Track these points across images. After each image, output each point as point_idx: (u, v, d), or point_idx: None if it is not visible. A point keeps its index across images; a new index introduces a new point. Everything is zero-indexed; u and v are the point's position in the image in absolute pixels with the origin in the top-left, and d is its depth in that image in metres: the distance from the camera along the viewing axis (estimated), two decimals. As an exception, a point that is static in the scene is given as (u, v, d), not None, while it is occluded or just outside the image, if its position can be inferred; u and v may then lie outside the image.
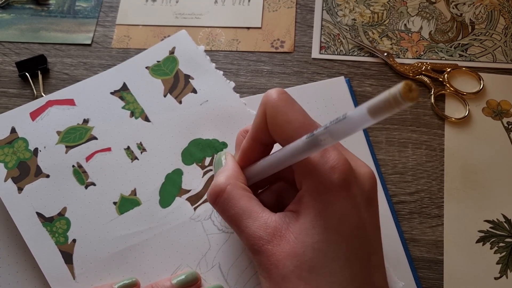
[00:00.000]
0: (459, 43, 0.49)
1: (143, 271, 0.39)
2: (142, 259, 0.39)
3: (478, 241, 0.41)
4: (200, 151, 0.43)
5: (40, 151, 0.42)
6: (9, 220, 0.40)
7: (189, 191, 0.41)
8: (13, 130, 0.43)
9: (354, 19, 0.51)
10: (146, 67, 0.46)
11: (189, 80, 0.46)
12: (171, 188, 0.41)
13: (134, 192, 0.41)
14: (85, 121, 0.44)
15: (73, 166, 0.42)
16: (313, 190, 0.29)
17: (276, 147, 0.33)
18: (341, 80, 0.47)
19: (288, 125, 0.30)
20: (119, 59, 0.50)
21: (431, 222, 0.42)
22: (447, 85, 0.47)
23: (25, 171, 0.41)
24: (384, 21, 0.51)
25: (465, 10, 0.51)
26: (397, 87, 0.20)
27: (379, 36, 0.50)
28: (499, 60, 0.48)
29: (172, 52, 0.47)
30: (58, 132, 0.43)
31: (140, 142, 0.43)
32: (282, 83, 0.48)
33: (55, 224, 0.40)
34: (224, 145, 0.43)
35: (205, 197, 0.41)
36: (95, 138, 0.43)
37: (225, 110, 0.44)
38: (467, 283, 0.39)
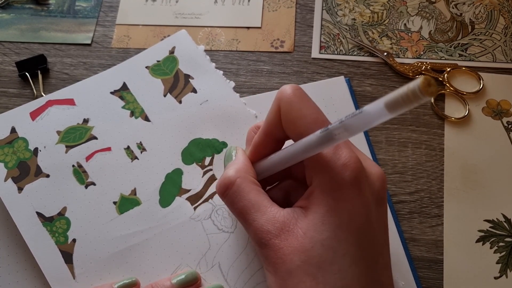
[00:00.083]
0: (459, 43, 0.49)
1: (143, 270, 0.39)
2: (142, 258, 0.39)
3: (478, 241, 0.41)
4: (200, 150, 0.43)
5: (40, 151, 0.42)
6: (9, 220, 0.40)
7: (189, 190, 0.41)
8: (13, 130, 0.43)
9: (354, 19, 0.51)
10: (146, 67, 0.46)
11: (189, 80, 0.46)
12: (171, 187, 0.41)
13: (134, 192, 0.41)
14: (85, 120, 0.44)
15: (73, 166, 0.42)
16: (324, 186, 0.29)
17: (287, 143, 0.33)
18: (341, 80, 0.47)
19: (302, 120, 0.30)
20: (119, 59, 0.50)
21: (431, 221, 0.42)
22: (447, 84, 0.47)
23: (25, 171, 0.42)
24: (384, 20, 0.51)
25: (465, 9, 0.51)
26: (416, 82, 0.20)
27: (379, 36, 0.50)
28: (499, 60, 0.48)
29: (172, 52, 0.47)
30: (58, 132, 0.43)
31: (140, 142, 0.43)
32: (282, 83, 0.48)
33: (55, 223, 0.40)
34: (224, 144, 0.43)
35: (205, 196, 0.41)
36: (95, 138, 0.43)
37: (225, 110, 0.44)
38: (467, 282, 0.39)
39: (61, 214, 0.40)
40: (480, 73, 0.47)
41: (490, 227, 0.41)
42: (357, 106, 0.46)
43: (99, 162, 0.42)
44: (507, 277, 0.39)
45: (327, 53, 0.50)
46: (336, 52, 0.50)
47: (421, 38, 0.50)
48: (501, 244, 0.41)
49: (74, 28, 0.52)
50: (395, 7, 0.52)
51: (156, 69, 0.46)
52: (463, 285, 0.39)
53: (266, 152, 0.34)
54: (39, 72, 0.49)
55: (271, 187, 0.37)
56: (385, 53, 0.49)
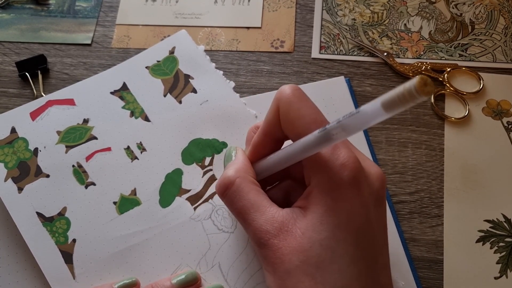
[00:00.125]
0: (459, 43, 0.49)
1: (143, 270, 0.39)
2: (142, 259, 0.39)
3: (478, 241, 0.41)
4: (200, 151, 0.43)
5: (40, 151, 0.42)
6: (9, 220, 0.40)
7: (189, 190, 0.41)
8: (13, 130, 0.43)
9: (354, 19, 0.51)
10: (146, 67, 0.46)
11: (189, 80, 0.46)
12: (171, 188, 0.41)
13: (134, 192, 0.41)
14: (85, 121, 0.44)
15: (73, 166, 0.42)
16: (323, 186, 0.29)
17: (287, 143, 0.33)
18: (341, 80, 0.47)
19: (300, 120, 0.30)
20: (119, 59, 0.50)
21: (431, 222, 0.42)
22: (447, 85, 0.47)
23: (25, 171, 0.42)
24: (384, 21, 0.51)
25: (465, 10, 0.51)
26: (412, 81, 0.20)
27: (379, 36, 0.50)
28: (499, 60, 0.48)
29: (172, 52, 0.47)
30: (58, 132, 0.43)
31: (140, 142, 0.43)
32: (282, 83, 0.48)
33: (55, 224, 0.40)
34: (224, 144, 0.43)
35: (205, 197, 0.41)
36: (95, 138, 0.43)
37: (225, 110, 0.44)
38: (467, 282, 0.39)
39: (61, 214, 0.40)
40: (480, 73, 0.47)
41: (490, 227, 0.41)
42: (357, 106, 0.46)
43: (99, 162, 0.42)
44: (507, 277, 0.39)
45: (327, 53, 0.50)
46: (336, 52, 0.50)
47: (421, 38, 0.50)
48: (501, 244, 0.41)
49: (74, 28, 0.52)
50: (395, 7, 0.52)
51: (156, 69, 0.46)
52: (463, 285, 0.39)
53: (266, 152, 0.34)
54: (39, 72, 0.49)
55: (271, 187, 0.37)
56: (385, 53, 0.49)
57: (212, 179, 0.42)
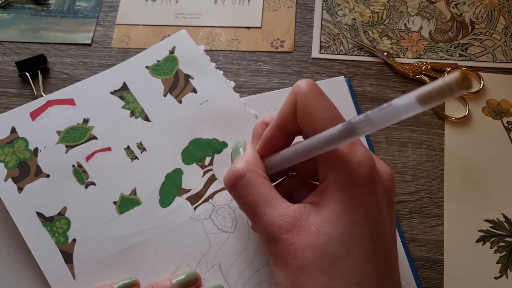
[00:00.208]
0: (459, 43, 0.49)
1: (143, 270, 0.39)
2: (142, 258, 0.39)
3: (478, 241, 0.41)
4: (200, 150, 0.43)
5: (40, 151, 0.42)
6: (9, 220, 0.40)
7: (189, 190, 0.41)
8: (13, 130, 0.43)
9: (354, 19, 0.51)
10: (146, 67, 0.46)
11: (189, 79, 0.46)
12: (171, 187, 0.41)
13: (134, 192, 0.41)
14: (85, 120, 0.44)
15: (73, 166, 0.42)
16: (340, 182, 0.29)
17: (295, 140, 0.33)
18: (341, 80, 0.47)
19: (319, 115, 0.30)
20: (119, 59, 0.50)
21: (431, 221, 0.42)
22: (447, 84, 0.46)
23: (25, 171, 0.42)
24: (384, 20, 0.51)
25: (465, 9, 0.51)
26: (453, 76, 0.21)
27: (379, 36, 0.50)
28: (499, 60, 0.48)
29: (172, 51, 0.47)
30: (58, 132, 0.43)
31: (140, 142, 0.43)
32: (282, 83, 0.48)
33: (55, 223, 0.40)
34: (224, 144, 0.43)
35: (205, 196, 0.41)
36: (95, 138, 0.43)
37: (225, 110, 0.44)
38: (467, 282, 0.39)
39: (61, 214, 0.40)
40: (480, 73, 0.47)
41: (490, 227, 0.41)
42: (357, 106, 0.46)
43: (99, 162, 0.42)
44: (507, 277, 0.39)
45: (327, 53, 0.49)
46: (336, 52, 0.50)
47: (421, 38, 0.50)
48: (501, 244, 0.41)
49: (74, 28, 0.52)
50: (395, 7, 0.52)
51: (156, 69, 0.46)
52: (463, 285, 0.39)
53: (276, 147, 0.33)
54: (39, 72, 0.49)
55: (274, 184, 0.37)
56: (385, 53, 0.49)
57: (212, 179, 0.42)
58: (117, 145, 0.43)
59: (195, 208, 0.41)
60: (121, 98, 0.45)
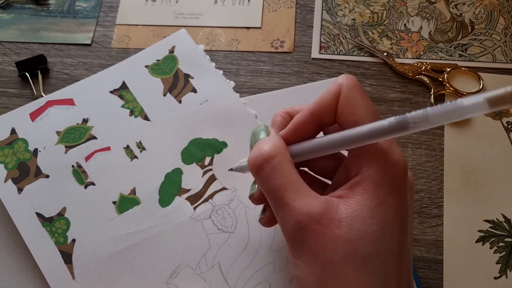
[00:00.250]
0: (459, 43, 0.49)
1: (142, 270, 0.39)
2: (141, 258, 0.39)
3: (477, 241, 0.41)
4: (200, 150, 0.43)
5: (39, 151, 0.42)
6: (9, 220, 0.40)
7: (188, 190, 0.41)
8: (13, 131, 0.43)
9: (354, 19, 0.51)
10: (146, 66, 0.46)
11: (189, 79, 0.46)
12: (170, 187, 0.41)
13: (133, 191, 0.41)
14: (85, 120, 0.44)
15: (73, 166, 0.42)
16: (377, 179, 0.28)
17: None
18: (341, 80, 0.47)
19: (362, 108, 0.30)
20: (119, 59, 0.50)
21: (431, 222, 0.42)
22: (447, 85, 0.47)
23: (25, 171, 0.41)
24: (384, 21, 0.51)
25: (465, 10, 0.51)
26: None
27: (378, 36, 0.50)
28: (498, 60, 0.48)
29: (171, 51, 0.47)
30: (58, 132, 0.43)
31: (140, 141, 0.43)
32: (282, 83, 0.48)
33: (55, 224, 0.40)
34: (224, 144, 0.43)
35: (205, 196, 0.41)
36: (95, 138, 0.43)
37: (225, 110, 0.44)
38: (467, 283, 0.39)
39: (60, 214, 0.40)
40: (480, 73, 0.47)
41: (490, 227, 0.41)
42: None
43: (99, 162, 0.42)
44: (507, 277, 0.39)
45: (327, 53, 0.50)
46: (336, 52, 0.50)
47: (421, 39, 0.50)
48: (501, 244, 0.41)
49: (74, 28, 0.52)
50: (395, 8, 0.52)
51: (155, 68, 0.46)
52: (463, 285, 0.39)
53: (303, 135, 0.32)
54: (39, 72, 0.49)
55: None
56: (385, 54, 0.49)
57: (212, 179, 0.42)
58: (117, 145, 0.43)
59: (195, 208, 0.41)
60: (121, 97, 0.45)
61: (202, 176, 0.42)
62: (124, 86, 0.46)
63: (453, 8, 0.51)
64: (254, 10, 0.52)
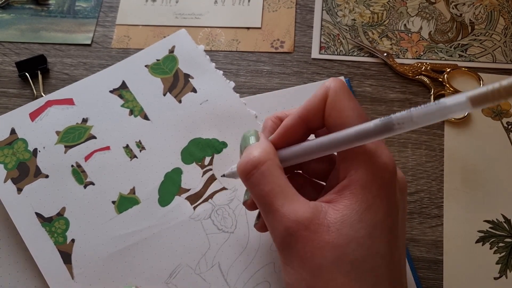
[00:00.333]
0: (459, 44, 0.49)
1: (142, 270, 0.39)
2: (141, 258, 0.39)
3: (477, 241, 0.41)
4: (200, 150, 0.43)
5: (39, 151, 0.42)
6: (9, 220, 0.40)
7: (188, 190, 0.41)
8: (12, 131, 0.43)
9: (354, 19, 0.51)
10: (146, 66, 0.46)
11: (189, 79, 0.46)
12: (170, 187, 0.41)
13: (133, 191, 0.41)
14: (84, 120, 0.44)
15: (72, 166, 0.42)
16: (364, 182, 0.28)
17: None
18: (340, 80, 0.47)
19: (349, 111, 0.30)
20: (119, 59, 0.49)
21: (431, 222, 0.42)
22: (447, 85, 0.47)
23: (25, 171, 0.41)
24: (384, 21, 0.51)
25: (465, 10, 0.51)
26: (510, 80, 0.22)
27: (378, 36, 0.50)
28: (498, 61, 0.48)
29: (171, 51, 0.47)
30: (57, 132, 0.43)
31: (139, 141, 0.43)
32: (282, 83, 0.48)
33: (54, 224, 0.40)
34: (224, 144, 0.43)
35: (204, 196, 0.41)
36: (94, 137, 0.43)
37: (225, 110, 0.44)
38: (467, 283, 0.39)
39: (60, 214, 0.40)
40: (480, 73, 0.47)
41: (490, 227, 0.41)
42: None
43: (98, 162, 0.42)
44: (506, 277, 0.39)
45: (327, 54, 0.50)
46: (336, 53, 0.50)
47: (421, 39, 0.50)
48: (500, 244, 0.40)
49: (74, 28, 0.52)
50: (395, 8, 0.52)
51: (155, 68, 0.46)
52: (463, 286, 0.39)
53: (292, 138, 0.32)
54: (39, 72, 0.49)
55: None
56: (385, 54, 0.49)
57: (212, 179, 0.42)
58: (116, 144, 0.43)
59: (194, 208, 0.41)
60: (120, 96, 0.45)
61: (202, 176, 0.42)
62: (124, 85, 0.46)
63: (453, 8, 0.51)
64: (254, 10, 0.52)
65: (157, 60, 0.47)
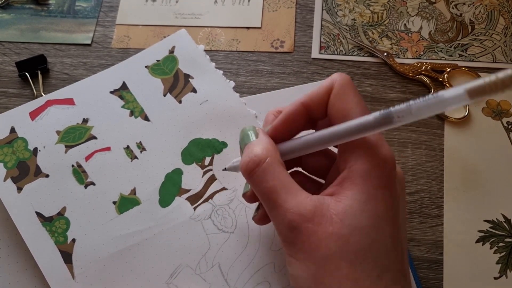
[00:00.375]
0: (459, 43, 0.49)
1: (143, 270, 0.39)
2: (141, 258, 0.39)
3: (477, 241, 0.41)
4: (200, 150, 0.43)
5: (39, 150, 0.42)
6: (9, 220, 0.40)
7: (189, 190, 0.41)
8: (12, 130, 0.43)
9: (354, 19, 0.51)
10: (146, 66, 0.46)
11: (189, 79, 0.46)
12: (170, 187, 0.41)
13: (133, 192, 0.41)
14: (85, 120, 0.44)
15: (73, 165, 0.42)
16: (365, 173, 0.29)
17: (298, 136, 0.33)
18: (341, 80, 0.47)
19: (353, 105, 0.30)
20: (119, 59, 0.50)
21: (431, 222, 0.42)
22: (447, 85, 0.47)
23: (25, 170, 0.41)
24: (384, 21, 0.51)
25: (465, 10, 0.51)
26: (507, 72, 0.22)
27: (379, 36, 0.50)
28: (499, 60, 0.48)
29: (171, 51, 0.47)
30: (58, 132, 0.43)
31: (140, 141, 0.43)
32: (282, 83, 0.48)
33: (55, 223, 0.40)
34: (224, 144, 0.43)
35: (205, 196, 0.41)
36: (95, 138, 0.43)
37: (225, 110, 0.44)
38: (467, 283, 0.39)
39: (60, 214, 0.40)
40: (480, 73, 0.47)
41: (490, 227, 0.41)
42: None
43: (99, 162, 0.42)
44: (507, 277, 0.39)
45: (327, 53, 0.50)
46: (336, 53, 0.50)
47: (421, 39, 0.50)
48: (501, 244, 0.41)
49: (74, 28, 0.52)
50: (395, 8, 0.52)
51: (155, 69, 0.46)
52: (463, 285, 0.39)
53: (292, 127, 0.33)
54: (39, 72, 0.49)
55: None
56: (385, 54, 0.49)
57: (212, 179, 0.42)
58: (117, 145, 0.43)
59: (195, 208, 0.41)
60: (121, 97, 0.45)
61: (202, 176, 0.42)
62: (124, 86, 0.46)
63: (453, 8, 0.51)
64: (254, 10, 0.52)
65: (157, 60, 0.47)
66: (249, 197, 0.34)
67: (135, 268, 0.39)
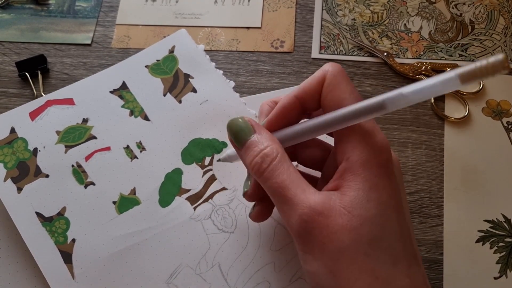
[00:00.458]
0: (459, 43, 0.49)
1: (143, 270, 0.39)
2: (141, 258, 0.39)
3: (477, 241, 0.41)
4: (200, 150, 0.43)
5: (39, 151, 0.42)
6: (9, 220, 0.40)
7: (189, 190, 0.41)
8: (12, 130, 0.43)
9: (354, 19, 0.51)
10: (146, 66, 0.46)
11: (189, 79, 0.46)
12: (170, 187, 0.41)
13: (133, 192, 0.41)
14: (85, 120, 0.44)
15: (73, 165, 0.42)
16: (365, 162, 0.29)
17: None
18: (341, 80, 0.47)
19: (345, 94, 0.30)
20: (119, 59, 0.49)
21: (431, 222, 0.42)
22: (447, 85, 0.47)
23: (25, 171, 0.41)
24: (384, 21, 0.51)
25: (465, 10, 0.51)
26: (498, 56, 0.23)
27: (379, 36, 0.50)
28: (499, 60, 0.48)
29: (171, 51, 0.47)
30: (58, 132, 0.43)
31: (140, 141, 0.43)
32: (282, 83, 0.48)
33: (55, 223, 0.40)
34: (224, 144, 0.43)
35: (205, 196, 0.41)
36: (95, 138, 0.43)
37: (225, 110, 0.44)
38: (467, 283, 0.39)
39: (60, 214, 0.40)
40: (480, 73, 0.47)
41: (490, 227, 0.41)
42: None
43: (99, 162, 0.42)
44: (507, 277, 0.39)
45: (327, 53, 0.50)
46: (336, 52, 0.50)
47: (421, 38, 0.50)
48: (501, 244, 0.41)
49: (74, 28, 0.52)
50: (395, 7, 0.52)
51: (155, 68, 0.46)
52: (463, 285, 0.39)
53: (287, 119, 0.33)
54: (39, 72, 0.49)
55: None
56: (385, 53, 0.49)
57: (212, 179, 0.42)
58: (117, 145, 0.43)
59: (195, 208, 0.41)
60: (121, 97, 0.45)
61: (202, 176, 0.42)
62: (124, 86, 0.46)
63: (453, 8, 0.51)
64: (254, 10, 0.52)
65: (157, 60, 0.47)
66: (249, 196, 0.35)
67: (135, 268, 0.39)
